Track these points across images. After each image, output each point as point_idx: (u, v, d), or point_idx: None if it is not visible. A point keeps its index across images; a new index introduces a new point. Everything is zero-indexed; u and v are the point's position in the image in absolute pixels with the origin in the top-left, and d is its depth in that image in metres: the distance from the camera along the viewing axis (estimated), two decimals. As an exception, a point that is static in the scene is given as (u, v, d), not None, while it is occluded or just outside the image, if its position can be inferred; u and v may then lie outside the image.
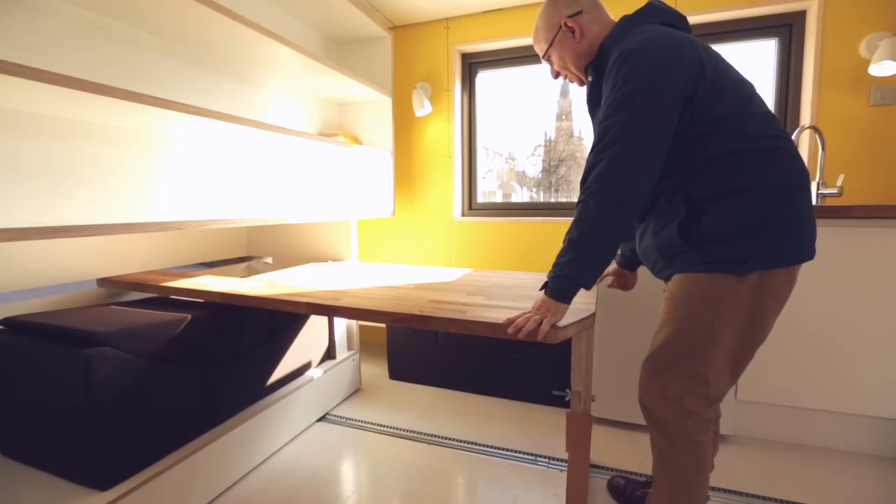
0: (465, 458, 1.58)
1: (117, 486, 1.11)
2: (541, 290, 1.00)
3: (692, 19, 1.98)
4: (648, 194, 0.92)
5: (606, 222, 0.90)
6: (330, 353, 2.00)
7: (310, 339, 1.85)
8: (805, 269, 1.30)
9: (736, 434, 1.69)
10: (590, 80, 1.09)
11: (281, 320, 1.66)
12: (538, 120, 2.54)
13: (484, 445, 1.66)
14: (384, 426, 1.80)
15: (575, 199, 2.03)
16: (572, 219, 0.94)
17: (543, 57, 1.14)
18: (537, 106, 2.54)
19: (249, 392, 1.54)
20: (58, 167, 1.17)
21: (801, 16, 2.00)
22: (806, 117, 1.98)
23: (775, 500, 1.35)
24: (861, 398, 1.53)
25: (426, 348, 2.19)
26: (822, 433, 1.61)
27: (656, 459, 1.04)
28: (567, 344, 1.10)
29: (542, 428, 1.78)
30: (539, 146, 2.56)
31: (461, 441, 1.69)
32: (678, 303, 0.97)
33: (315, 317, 1.87)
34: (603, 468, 1.51)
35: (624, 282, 1.36)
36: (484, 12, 2.42)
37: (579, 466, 1.08)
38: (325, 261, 2.14)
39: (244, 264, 2.25)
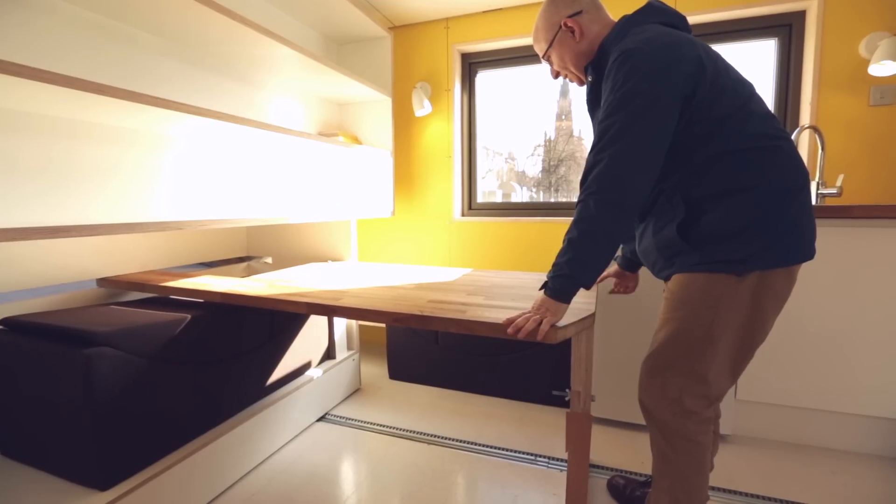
0: (464, 458, 1.58)
1: (117, 486, 1.11)
2: (540, 289, 1.00)
3: (692, 19, 1.98)
4: (648, 194, 0.92)
5: (606, 222, 0.90)
6: (330, 353, 2.00)
7: (309, 339, 1.85)
8: (805, 269, 1.30)
9: (736, 434, 1.69)
10: (589, 79, 1.09)
11: (281, 320, 1.67)
12: (538, 120, 2.54)
13: (484, 445, 1.66)
14: (384, 426, 1.80)
15: (575, 199, 2.04)
16: (572, 219, 0.94)
17: (543, 57, 1.14)
18: (537, 106, 2.54)
19: (249, 392, 1.54)
20: (58, 167, 1.17)
21: (800, 16, 2.00)
22: (806, 117, 1.98)
23: (775, 499, 1.35)
24: (861, 398, 1.53)
25: (426, 348, 2.19)
26: (822, 433, 1.61)
27: (656, 459, 1.04)
28: (567, 344, 1.10)
29: (542, 428, 1.78)
30: (539, 146, 2.56)
31: (461, 441, 1.69)
32: (678, 302, 0.97)
33: (315, 317, 1.87)
34: (603, 468, 1.51)
35: (626, 284, 1.36)
36: (484, 12, 2.42)
37: (579, 466, 1.08)
38: (325, 261, 2.14)
39: (244, 264, 2.25)
